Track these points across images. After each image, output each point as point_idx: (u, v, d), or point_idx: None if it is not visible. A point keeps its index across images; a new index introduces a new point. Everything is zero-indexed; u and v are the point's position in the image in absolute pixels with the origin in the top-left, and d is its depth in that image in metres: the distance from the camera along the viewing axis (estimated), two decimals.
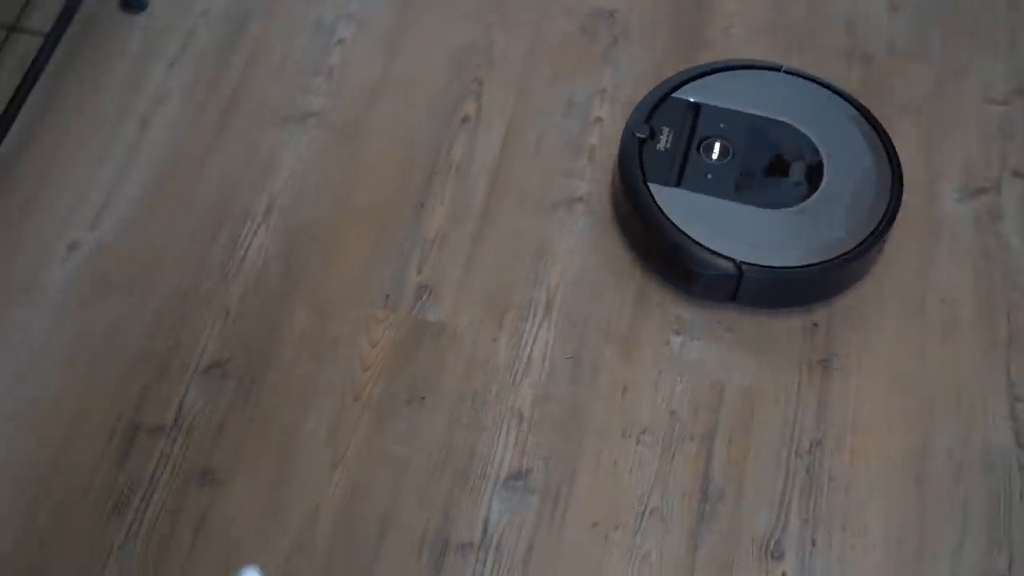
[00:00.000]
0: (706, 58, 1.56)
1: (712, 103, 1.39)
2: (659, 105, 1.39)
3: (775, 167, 1.34)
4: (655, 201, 1.32)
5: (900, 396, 1.30)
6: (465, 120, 1.49)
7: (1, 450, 1.23)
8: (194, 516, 1.21)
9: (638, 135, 1.35)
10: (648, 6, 1.61)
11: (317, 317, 1.33)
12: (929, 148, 1.49)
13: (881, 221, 1.33)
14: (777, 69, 1.43)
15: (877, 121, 1.41)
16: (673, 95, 1.40)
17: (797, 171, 1.33)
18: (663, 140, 1.35)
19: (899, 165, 1.37)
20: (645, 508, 1.23)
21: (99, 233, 1.38)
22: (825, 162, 1.35)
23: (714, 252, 1.29)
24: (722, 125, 1.37)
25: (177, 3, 1.57)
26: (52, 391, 1.27)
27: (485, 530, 1.21)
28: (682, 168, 1.35)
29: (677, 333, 1.34)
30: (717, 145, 1.35)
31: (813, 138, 1.36)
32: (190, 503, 1.21)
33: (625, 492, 1.23)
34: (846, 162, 1.35)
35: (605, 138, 1.48)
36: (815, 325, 1.34)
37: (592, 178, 1.44)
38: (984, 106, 1.53)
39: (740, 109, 1.39)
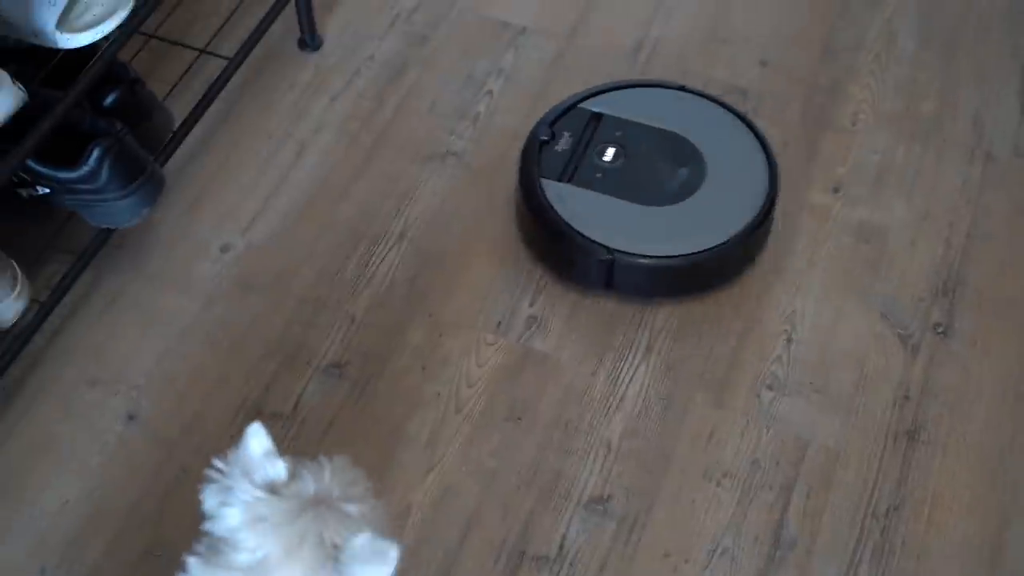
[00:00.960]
0: (830, 141, 1.63)
1: (613, 114, 1.53)
2: (565, 113, 1.54)
3: (661, 171, 1.48)
4: (544, 194, 1.45)
5: (984, 478, 1.32)
6: None
7: (143, 410, 1.37)
8: None
9: (540, 137, 1.50)
10: (780, 86, 1.69)
11: (433, 334, 1.44)
12: None
13: (750, 225, 1.43)
14: (680, 88, 1.57)
15: (764, 138, 1.52)
16: (579, 105, 1.55)
17: (680, 175, 1.46)
18: (562, 143, 1.50)
19: (776, 177, 1.48)
20: (717, 547, 1.27)
21: (249, 238, 1.53)
22: (708, 168, 1.48)
23: (591, 240, 1.41)
24: (618, 133, 1.51)
25: (347, 46, 1.73)
26: (192, 368, 1.40)
27: (561, 547, 1.28)
28: (575, 167, 1.48)
29: (769, 388, 1.39)
30: (611, 150, 1.49)
31: (700, 148, 1.50)
32: None
33: (699, 529, 1.28)
34: (727, 170, 1.48)
35: None
36: (906, 397, 1.38)
37: None
38: None
39: (637, 120, 1.53)
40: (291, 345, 1.43)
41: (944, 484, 1.32)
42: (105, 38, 1.33)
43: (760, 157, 1.50)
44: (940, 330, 1.44)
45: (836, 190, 1.58)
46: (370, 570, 0.88)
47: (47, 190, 1.36)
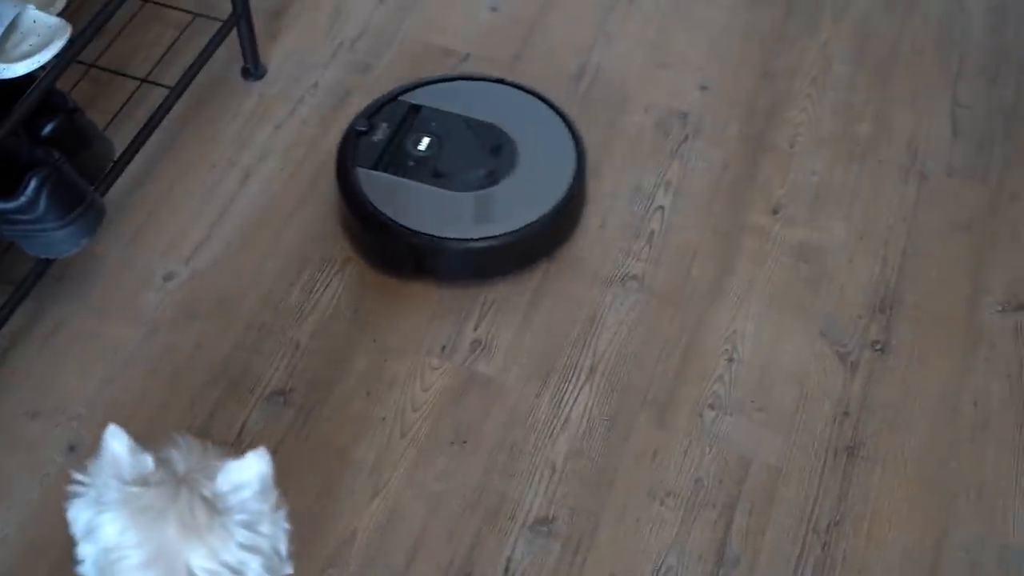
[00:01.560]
0: (769, 163, 1.66)
1: (431, 105, 1.58)
2: (385, 105, 1.58)
3: (473, 159, 1.52)
4: (357, 182, 1.50)
5: (922, 490, 1.34)
6: None
7: (84, 441, 1.36)
8: None
9: (357, 128, 1.54)
10: (720, 109, 1.72)
11: (378, 359, 1.44)
12: (977, 263, 1.55)
13: (552, 210, 1.49)
14: (500, 82, 1.62)
15: (575, 130, 1.58)
16: (399, 97, 1.59)
17: (491, 163, 1.51)
18: (379, 133, 1.54)
19: (583, 165, 1.54)
20: (661, 565, 1.28)
21: (193, 266, 1.52)
22: (519, 157, 1.52)
23: (400, 225, 1.46)
24: (434, 124, 1.56)
25: (291, 75, 1.74)
26: (135, 396, 1.40)
27: (507, 569, 1.28)
28: (388, 156, 1.53)
29: (711, 407, 1.40)
30: (425, 139, 1.53)
31: (514, 138, 1.54)
32: None
33: (643, 548, 1.29)
34: (538, 158, 1.53)
35: (665, 225, 1.58)
36: (846, 414, 1.40)
37: (647, 259, 1.54)
38: None
39: (454, 111, 1.57)
40: (235, 372, 1.42)
41: (883, 498, 1.34)
42: (42, 68, 1.33)
43: (570, 146, 1.55)
44: (878, 347, 1.46)
45: (775, 211, 1.60)
46: (244, 477, 0.88)
47: None
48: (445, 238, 1.46)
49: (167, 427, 1.37)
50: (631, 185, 1.63)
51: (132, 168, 1.55)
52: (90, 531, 0.89)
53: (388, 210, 1.47)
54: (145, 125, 1.55)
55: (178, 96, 1.59)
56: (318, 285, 1.51)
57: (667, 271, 1.54)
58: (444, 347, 1.45)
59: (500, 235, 1.47)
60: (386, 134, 1.54)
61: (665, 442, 1.38)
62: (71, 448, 1.36)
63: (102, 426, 1.35)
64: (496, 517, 1.32)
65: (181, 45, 1.67)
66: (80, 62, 1.49)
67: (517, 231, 1.47)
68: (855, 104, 1.74)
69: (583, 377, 1.43)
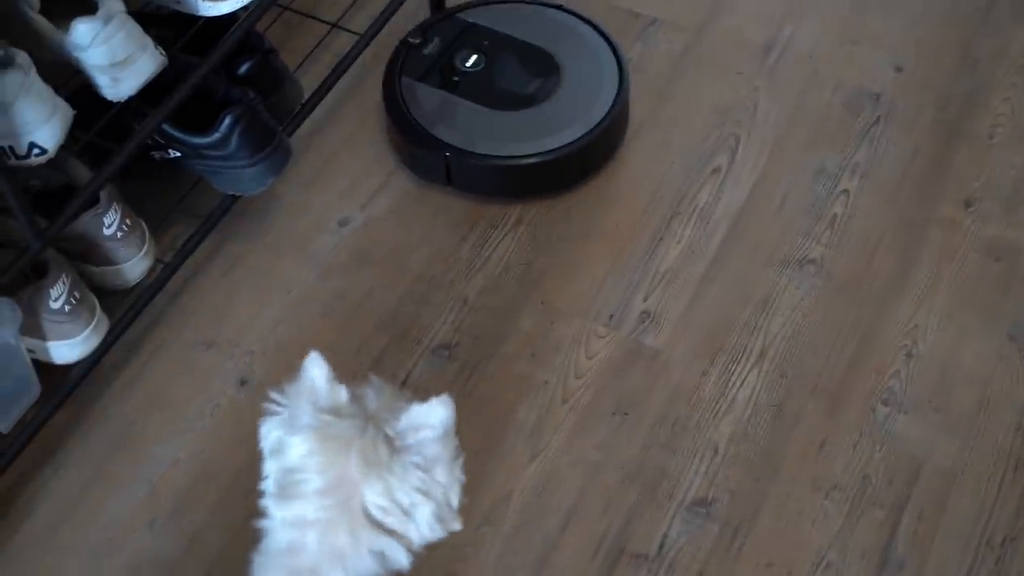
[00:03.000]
0: (965, 152, 1.58)
1: (485, 24, 1.61)
2: (441, 21, 1.62)
3: (519, 80, 1.55)
4: (401, 91, 1.54)
5: None
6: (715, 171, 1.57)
7: (256, 375, 1.39)
8: None
9: (410, 39, 1.58)
10: (914, 92, 1.64)
11: (544, 322, 1.43)
12: None
13: (589, 132, 1.51)
14: (558, 7, 1.64)
15: (622, 57, 1.59)
16: (457, 15, 1.63)
17: (534, 85, 1.54)
18: (431, 48, 1.58)
19: (624, 88, 1.55)
20: (822, 560, 1.25)
21: (368, 213, 1.54)
22: (563, 83, 1.55)
23: (434, 136, 1.50)
24: (486, 43, 1.58)
25: None
26: (304, 337, 1.42)
27: (662, 546, 1.26)
28: (435, 70, 1.57)
29: (885, 403, 1.35)
30: (473, 56, 1.57)
31: (560, 61, 1.57)
32: None
33: (804, 541, 1.26)
34: (582, 86, 1.56)
35: (849, 209, 1.52)
36: None
37: (828, 243, 1.49)
38: None
39: (507, 32, 1.60)
40: (403, 322, 1.44)
41: None
42: (244, 8, 1.35)
43: (614, 71, 1.57)
44: None
45: (968, 204, 1.53)
46: (426, 420, 0.90)
47: (178, 154, 1.39)
48: (477, 153, 1.50)
49: (334, 370, 1.39)
50: (815, 166, 1.57)
51: (317, 112, 1.56)
52: (278, 449, 0.91)
53: (424, 121, 1.52)
54: (333, 70, 1.56)
55: (366, 44, 1.59)
56: (490, 242, 1.51)
57: (848, 257, 1.48)
58: (612, 316, 1.43)
59: (534, 154, 1.50)
60: (438, 48, 1.58)
61: (834, 434, 1.33)
62: (242, 382, 1.39)
63: (272, 362, 1.40)
64: (654, 493, 1.30)
65: None
66: (276, 4, 1.51)
67: (549, 152, 1.50)
68: None
69: (752, 359, 1.39)
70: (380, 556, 0.89)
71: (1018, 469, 1.30)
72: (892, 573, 1.23)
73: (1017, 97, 1.63)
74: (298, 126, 1.51)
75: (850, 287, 1.45)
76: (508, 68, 1.57)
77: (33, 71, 1.15)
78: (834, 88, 1.66)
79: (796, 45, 1.71)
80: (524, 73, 1.56)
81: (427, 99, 1.54)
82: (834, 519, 1.27)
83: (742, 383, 1.38)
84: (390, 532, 0.89)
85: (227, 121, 1.33)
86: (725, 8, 1.75)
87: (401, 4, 1.63)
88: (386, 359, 1.41)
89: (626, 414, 1.36)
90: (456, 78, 1.55)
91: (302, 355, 1.39)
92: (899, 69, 1.68)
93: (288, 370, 1.37)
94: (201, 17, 1.35)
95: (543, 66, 1.56)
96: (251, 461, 1.31)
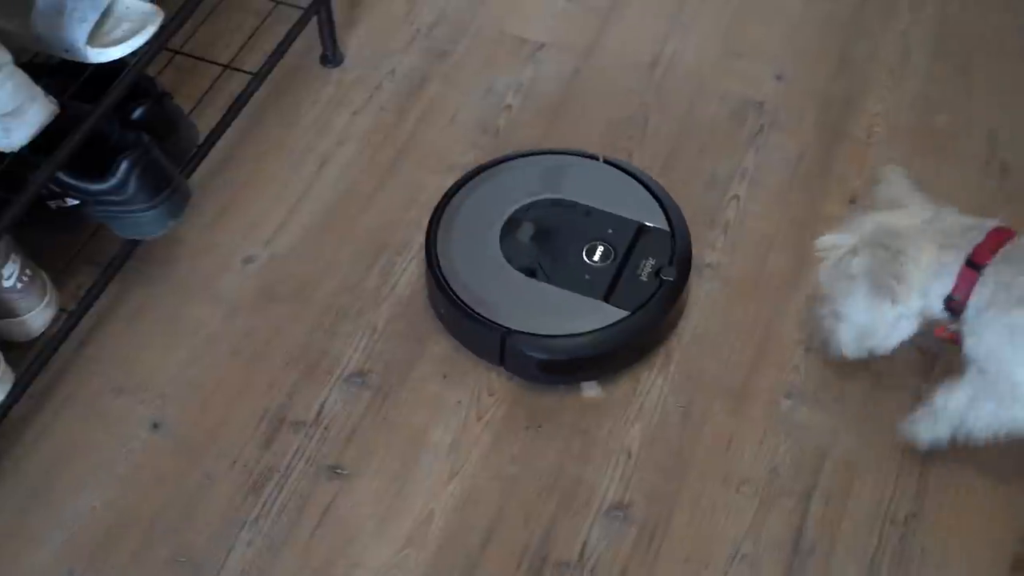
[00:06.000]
0: (846, 153, 1.65)
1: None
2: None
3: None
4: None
5: (1004, 480, 1.33)
6: None
7: (168, 417, 1.39)
8: (320, 504, 1.33)
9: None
10: (795, 99, 1.71)
11: (454, 343, 1.45)
12: None
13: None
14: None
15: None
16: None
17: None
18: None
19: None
20: (737, 552, 1.28)
21: (272, 249, 1.55)
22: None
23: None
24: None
25: (369, 62, 1.76)
26: (216, 376, 1.42)
27: (583, 553, 1.29)
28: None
29: (787, 396, 1.40)
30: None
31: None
32: (318, 492, 1.33)
33: (719, 535, 1.30)
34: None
35: (741, 214, 1.58)
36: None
37: (723, 248, 1.54)
38: None
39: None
40: (314, 354, 1.45)
41: (964, 490, 1.33)
42: (133, 53, 1.36)
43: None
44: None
45: (852, 201, 1.59)
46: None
47: (76, 202, 1.39)
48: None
49: (247, 408, 1.40)
50: (706, 174, 1.62)
51: (214, 153, 1.57)
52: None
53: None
54: (228, 111, 1.57)
55: (260, 82, 1.61)
56: (396, 269, 1.53)
57: (743, 260, 1.53)
58: None
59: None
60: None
61: (740, 430, 1.38)
62: (155, 425, 1.39)
63: (184, 403, 1.40)
64: (572, 501, 1.32)
65: (263, 32, 1.70)
66: (168, 49, 1.52)
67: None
68: (933, 95, 1.72)
69: (658, 365, 1.44)
70: None
71: (915, 449, 1.35)
72: (804, 558, 1.28)
73: (890, 97, 1.71)
74: (195, 168, 1.52)
75: (747, 288, 1.51)
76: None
77: None
78: (720, 99, 1.72)
79: (681, 60, 1.77)
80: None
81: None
82: (746, 511, 1.31)
83: (649, 389, 1.42)
84: None
85: (123, 166, 1.34)
86: (611, 28, 1.81)
87: (293, 42, 1.66)
88: (298, 393, 1.41)
89: (540, 426, 1.39)
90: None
91: (214, 395, 1.41)
92: (779, 77, 1.74)
93: (202, 410, 1.40)
94: (91, 64, 1.35)
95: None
96: (169, 502, 1.32)
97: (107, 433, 1.38)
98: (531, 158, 1.56)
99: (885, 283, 1.19)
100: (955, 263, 1.20)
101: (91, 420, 1.39)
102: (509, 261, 1.43)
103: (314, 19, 1.69)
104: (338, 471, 1.35)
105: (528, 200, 1.49)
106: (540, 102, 1.71)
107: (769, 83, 1.74)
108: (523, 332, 1.38)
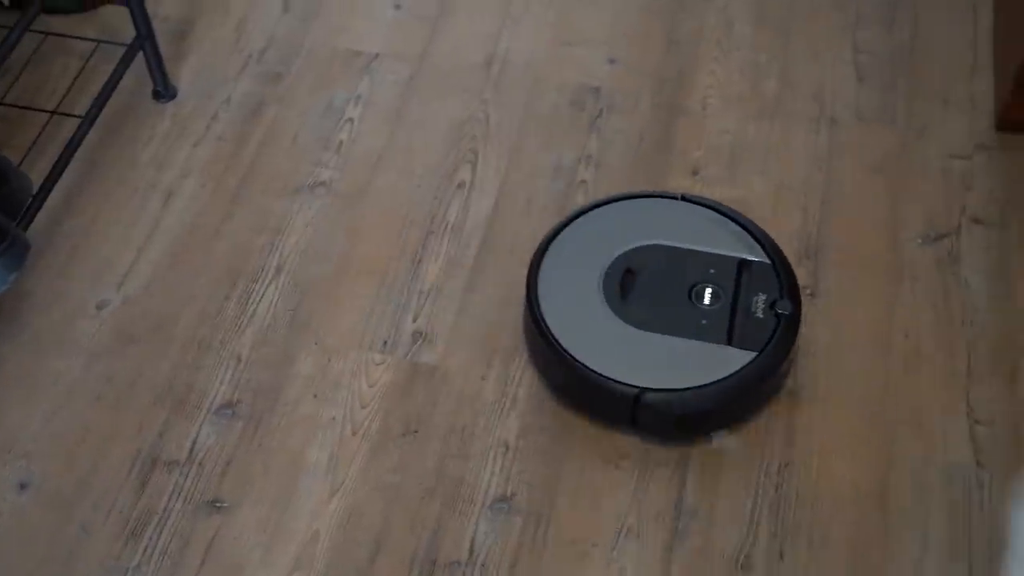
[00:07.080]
0: (684, 127, 1.69)
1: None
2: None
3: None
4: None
5: (865, 423, 1.38)
6: (460, 185, 1.62)
7: (35, 476, 1.35)
8: (203, 541, 1.30)
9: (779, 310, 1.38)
10: (630, 81, 1.75)
11: (321, 361, 1.45)
12: (893, 200, 1.60)
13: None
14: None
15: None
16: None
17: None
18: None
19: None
20: (622, 527, 1.31)
21: (125, 291, 1.52)
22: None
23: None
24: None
25: (203, 92, 1.74)
26: (81, 426, 1.39)
27: (472, 550, 1.29)
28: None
29: None
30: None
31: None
32: (200, 529, 1.31)
33: (603, 513, 1.32)
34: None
35: (588, 197, 1.60)
36: None
37: None
38: (947, 161, 1.64)
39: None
40: (180, 390, 1.42)
41: (829, 436, 1.37)
42: None
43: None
44: (808, 292, 1.50)
45: (695, 172, 1.64)
46: None
47: None
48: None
49: (118, 453, 1.37)
50: (552, 163, 1.65)
51: (53, 200, 1.54)
52: None
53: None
54: (60, 157, 1.54)
55: (90, 125, 1.58)
56: (253, 296, 1.51)
57: None
58: (386, 342, 1.46)
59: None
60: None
61: None
62: (22, 486, 1.34)
63: (51, 457, 1.36)
64: (455, 501, 1.33)
65: (88, 73, 1.66)
66: None
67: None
68: (760, 62, 1.78)
69: (524, 356, 1.45)
70: None
71: (780, 400, 1.40)
72: (687, 522, 1.31)
73: (719, 70, 1.77)
74: (32, 218, 1.48)
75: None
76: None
77: None
78: (557, 89, 1.75)
79: (515, 55, 1.79)
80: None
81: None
82: (626, 486, 1.34)
83: (520, 379, 1.43)
84: None
85: None
86: (441, 33, 1.82)
87: (119, 80, 1.62)
88: (169, 432, 1.39)
89: (416, 432, 1.39)
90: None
91: (81, 445, 1.38)
92: (613, 61, 1.78)
93: (70, 463, 1.36)
94: None
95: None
96: (45, 559, 1.28)
97: None
98: (607, 207, 1.49)
99: None
100: None
101: None
102: (620, 317, 1.37)
103: (141, 55, 1.66)
104: (218, 505, 1.33)
105: (620, 251, 1.43)
106: (381, 112, 1.71)
107: (603, 68, 1.77)
108: (654, 389, 1.31)
